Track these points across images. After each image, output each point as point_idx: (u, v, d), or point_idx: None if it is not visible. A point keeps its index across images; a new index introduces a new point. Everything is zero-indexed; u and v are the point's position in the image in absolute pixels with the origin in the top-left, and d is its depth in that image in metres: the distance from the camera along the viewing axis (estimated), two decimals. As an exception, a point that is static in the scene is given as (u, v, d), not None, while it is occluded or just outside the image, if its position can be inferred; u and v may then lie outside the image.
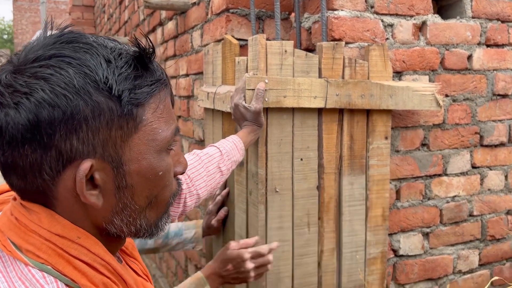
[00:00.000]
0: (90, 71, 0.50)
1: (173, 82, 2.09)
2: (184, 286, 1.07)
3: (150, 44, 0.54)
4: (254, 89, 1.16)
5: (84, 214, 0.54)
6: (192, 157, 1.09)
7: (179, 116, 2.03)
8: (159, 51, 2.29)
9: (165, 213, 0.61)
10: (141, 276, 0.65)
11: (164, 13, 2.12)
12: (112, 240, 0.59)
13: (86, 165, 0.51)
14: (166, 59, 2.17)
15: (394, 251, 1.45)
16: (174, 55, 2.04)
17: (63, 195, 0.53)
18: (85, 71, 0.50)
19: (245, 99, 1.17)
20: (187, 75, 1.87)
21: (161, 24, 2.22)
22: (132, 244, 0.68)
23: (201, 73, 1.70)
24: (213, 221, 1.41)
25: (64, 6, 19.59)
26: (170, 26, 2.06)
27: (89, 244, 0.54)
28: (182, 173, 0.63)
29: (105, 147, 0.52)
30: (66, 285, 0.51)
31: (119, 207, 0.55)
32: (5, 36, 25.16)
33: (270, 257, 1.13)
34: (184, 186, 1.03)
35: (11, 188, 0.55)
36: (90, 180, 0.53)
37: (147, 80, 0.54)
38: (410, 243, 1.47)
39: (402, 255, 1.46)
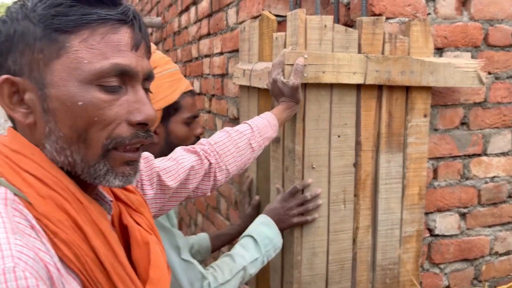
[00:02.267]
0: (28, 2, 0.59)
1: (206, 60, 2.10)
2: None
3: None
4: (292, 64, 1.16)
5: (29, 134, 0.61)
6: (222, 134, 1.11)
7: (213, 95, 2.05)
8: (192, 30, 2.30)
9: (104, 159, 0.60)
10: (146, 230, 0.69)
11: (198, -8, 2.12)
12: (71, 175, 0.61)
13: (1, 78, 0.58)
14: (200, 38, 2.18)
15: (430, 231, 1.44)
16: (208, 34, 2.05)
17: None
18: (25, 2, 0.59)
19: (283, 74, 1.17)
20: (221, 53, 1.88)
21: (194, 3, 2.23)
22: (139, 201, 0.73)
23: (236, 51, 1.70)
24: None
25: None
26: (204, 4, 2.06)
27: (41, 161, 0.59)
28: (142, 123, 0.61)
29: (31, 68, 0.58)
30: (15, 194, 0.56)
31: (46, 131, 0.59)
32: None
33: (310, 205, 1.23)
34: (212, 160, 1.05)
35: None
36: (22, 99, 0.59)
37: (79, 11, 0.57)
38: (446, 223, 1.45)
39: (437, 235, 1.45)
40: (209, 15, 2.01)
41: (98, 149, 0.59)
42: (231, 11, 1.74)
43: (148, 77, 0.63)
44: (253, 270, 1.18)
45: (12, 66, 0.59)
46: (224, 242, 1.45)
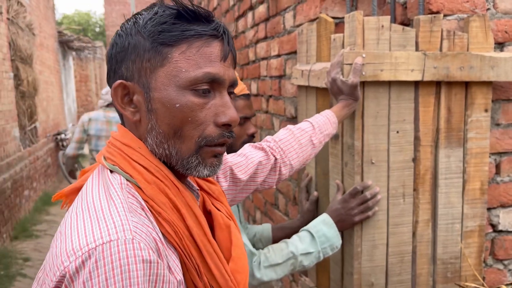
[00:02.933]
0: (139, 20, 0.70)
1: (264, 63, 2.20)
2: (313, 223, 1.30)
3: (192, 7, 0.69)
4: (351, 64, 1.21)
5: (134, 129, 0.72)
6: (285, 131, 1.19)
7: (270, 96, 2.14)
8: (249, 34, 2.40)
9: (196, 154, 0.69)
10: (226, 216, 0.78)
11: (255, -2, 2.22)
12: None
13: (116, 83, 0.70)
14: (257, 41, 2.27)
15: (493, 226, 1.43)
16: (265, 37, 2.14)
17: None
18: (137, 20, 0.71)
19: (342, 74, 1.23)
20: (278, 55, 1.96)
21: (251, 8, 2.33)
22: (219, 191, 0.82)
23: (293, 53, 1.77)
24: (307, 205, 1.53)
25: (150, -2, 20.91)
26: (261, 9, 2.15)
27: (146, 153, 0.70)
28: (227, 125, 0.70)
29: (140, 74, 0.69)
30: (127, 180, 0.68)
31: (149, 127, 0.70)
32: (97, 29, 27.34)
33: (370, 202, 1.27)
34: (278, 156, 1.13)
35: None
36: (131, 100, 0.70)
37: (180, 28, 0.67)
38: (510, 218, 1.44)
39: (501, 231, 1.43)
40: (266, 19, 2.10)
41: (192, 145, 0.70)
42: (288, 15, 1.81)
43: (233, 84, 0.73)
44: (306, 262, 1.26)
45: (125, 73, 0.71)
46: (285, 235, 1.53)
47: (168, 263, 0.63)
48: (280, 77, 1.98)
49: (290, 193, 1.94)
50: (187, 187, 0.76)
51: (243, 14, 2.50)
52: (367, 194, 1.27)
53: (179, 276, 0.64)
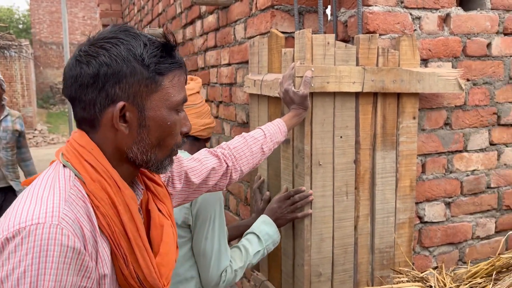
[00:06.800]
0: (133, 48, 0.80)
1: (214, 70, 2.29)
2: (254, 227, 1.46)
3: (174, 40, 0.84)
4: (302, 77, 1.36)
5: (113, 139, 0.83)
6: (240, 139, 1.31)
7: (221, 102, 2.24)
8: (198, 42, 2.48)
9: (169, 157, 0.88)
10: (164, 215, 0.93)
11: (204, 7, 2.31)
12: (128, 165, 0.86)
13: (120, 104, 0.80)
14: (206, 49, 2.36)
15: (420, 218, 1.65)
16: (215, 46, 2.23)
17: (104, 123, 0.83)
18: (130, 48, 0.80)
19: (294, 85, 1.37)
20: (229, 64, 2.07)
21: (200, 17, 2.41)
22: (164, 193, 0.97)
23: (244, 62, 1.89)
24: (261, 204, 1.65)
25: (79, -5, 20.08)
26: (210, 19, 2.25)
27: (97, 155, 0.82)
28: (186, 133, 0.90)
29: (135, 96, 0.81)
30: (75, 175, 0.80)
31: (138, 139, 0.83)
32: (20, 26, 25.59)
33: (299, 203, 1.44)
34: (230, 163, 1.26)
35: (75, 117, 0.86)
36: (123, 116, 0.81)
37: (169, 61, 0.83)
38: (434, 211, 1.66)
39: (426, 222, 1.66)
40: (216, 29, 2.20)
41: (167, 151, 0.88)
42: (239, 27, 1.93)
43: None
44: (255, 260, 1.43)
45: (120, 93, 0.80)
46: (241, 232, 1.64)
47: (97, 251, 0.74)
48: (231, 84, 2.09)
49: (242, 194, 2.05)
50: (132, 186, 0.89)
51: (191, 22, 2.57)
52: (296, 197, 1.44)
53: (106, 269, 0.76)
